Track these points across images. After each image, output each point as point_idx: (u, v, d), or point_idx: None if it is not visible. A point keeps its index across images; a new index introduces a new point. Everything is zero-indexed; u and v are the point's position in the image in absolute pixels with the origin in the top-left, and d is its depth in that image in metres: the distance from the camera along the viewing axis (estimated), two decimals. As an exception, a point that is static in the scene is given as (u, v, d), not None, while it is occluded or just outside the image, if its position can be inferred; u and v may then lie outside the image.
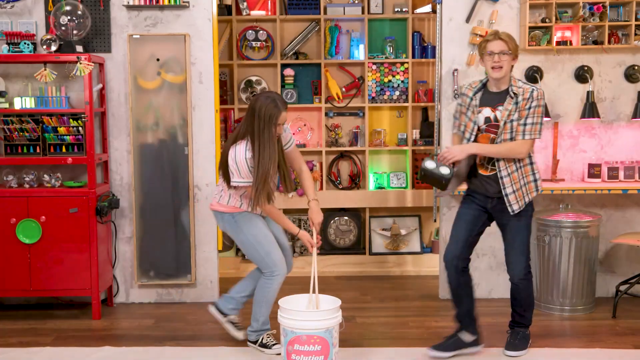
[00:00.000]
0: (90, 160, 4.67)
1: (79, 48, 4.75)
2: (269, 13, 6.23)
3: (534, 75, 4.96)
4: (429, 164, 3.78)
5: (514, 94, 3.70)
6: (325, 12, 6.16)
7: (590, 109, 4.88)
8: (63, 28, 4.68)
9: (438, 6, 5.00)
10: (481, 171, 3.82)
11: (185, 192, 4.98)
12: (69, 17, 4.67)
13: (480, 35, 4.84)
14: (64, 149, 4.74)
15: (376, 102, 6.26)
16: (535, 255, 4.85)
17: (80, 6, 4.74)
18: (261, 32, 6.21)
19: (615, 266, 5.13)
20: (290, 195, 6.08)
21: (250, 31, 6.21)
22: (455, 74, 4.97)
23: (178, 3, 4.85)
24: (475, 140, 3.80)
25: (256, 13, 6.18)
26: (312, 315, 3.61)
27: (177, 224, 5.01)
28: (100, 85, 4.90)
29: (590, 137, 5.05)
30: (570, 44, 4.92)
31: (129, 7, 4.88)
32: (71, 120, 4.71)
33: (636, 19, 4.87)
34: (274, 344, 4.05)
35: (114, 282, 5.09)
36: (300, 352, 3.55)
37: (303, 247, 6.17)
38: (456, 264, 3.85)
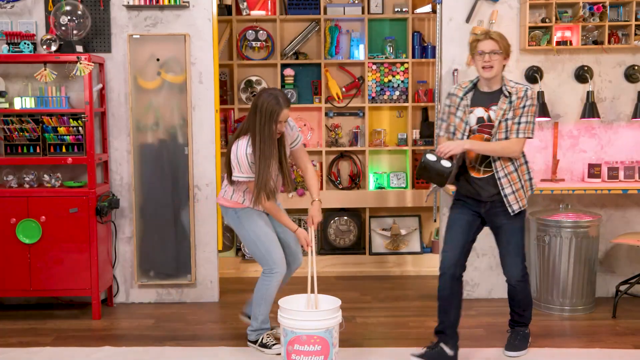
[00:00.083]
0: (90, 160, 4.67)
1: (79, 48, 4.75)
2: (269, 13, 6.23)
3: (534, 75, 4.96)
4: (430, 157, 3.66)
5: (508, 92, 3.66)
6: (325, 12, 6.16)
7: (590, 109, 4.88)
8: (63, 28, 4.68)
9: (438, 6, 5.00)
10: (473, 174, 3.73)
11: (185, 192, 4.98)
12: (69, 17, 4.67)
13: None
14: (64, 149, 4.75)
15: (376, 102, 6.26)
16: (535, 255, 4.85)
17: (80, 6, 4.74)
18: (261, 32, 6.21)
19: (615, 266, 5.13)
20: (290, 195, 6.08)
21: (250, 31, 6.21)
22: (455, 74, 4.97)
23: (178, 3, 4.85)
24: None
25: (256, 13, 6.18)
26: (312, 315, 3.61)
27: (177, 224, 5.01)
28: (100, 85, 4.90)
29: (590, 137, 5.05)
30: (570, 44, 4.92)
31: (129, 7, 4.88)
32: (71, 120, 4.71)
33: (636, 19, 4.87)
34: (274, 344, 4.05)
35: (114, 282, 5.09)
36: (300, 352, 3.55)
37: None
38: (453, 272, 3.78)
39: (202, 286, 5.11)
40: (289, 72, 6.19)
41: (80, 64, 4.55)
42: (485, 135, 3.68)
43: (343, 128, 6.34)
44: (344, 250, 6.29)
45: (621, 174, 4.95)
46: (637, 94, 4.94)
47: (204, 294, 5.11)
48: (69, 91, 4.86)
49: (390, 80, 6.23)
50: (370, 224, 6.31)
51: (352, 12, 6.16)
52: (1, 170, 4.87)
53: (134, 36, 4.88)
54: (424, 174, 3.70)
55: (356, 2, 6.23)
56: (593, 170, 4.95)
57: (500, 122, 3.64)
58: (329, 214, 6.21)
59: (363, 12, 6.18)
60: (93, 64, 4.65)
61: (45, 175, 4.78)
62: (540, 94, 4.87)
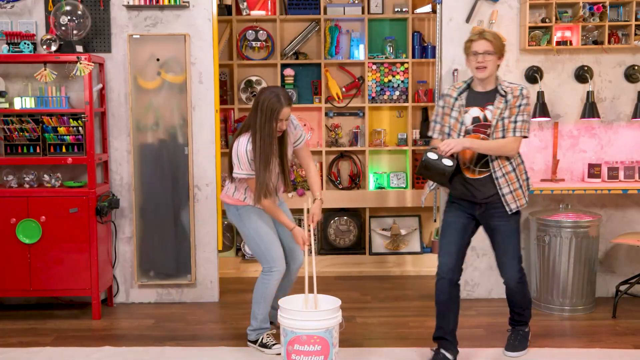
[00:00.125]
0: (90, 160, 4.67)
1: (79, 48, 4.75)
2: (269, 13, 6.23)
3: (534, 75, 4.96)
4: (431, 156, 3.58)
5: (504, 92, 3.65)
6: (325, 12, 6.16)
7: (590, 109, 4.87)
8: (63, 28, 4.68)
9: (438, 6, 5.00)
10: (469, 175, 3.69)
11: (185, 192, 4.98)
12: (69, 17, 4.67)
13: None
14: (64, 149, 4.75)
15: (376, 102, 6.26)
16: (535, 255, 4.85)
17: (80, 6, 4.74)
18: (261, 32, 6.21)
19: (615, 266, 5.13)
20: (290, 195, 6.07)
21: (250, 31, 6.21)
22: (455, 74, 4.97)
23: (178, 3, 4.85)
24: None
25: (256, 13, 6.18)
26: (312, 315, 3.61)
27: (177, 224, 5.01)
28: (100, 85, 4.90)
29: (590, 137, 5.05)
30: (570, 44, 4.92)
31: (129, 7, 4.88)
32: (71, 120, 4.71)
33: (636, 19, 4.87)
34: (274, 344, 4.05)
35: (114, 282, 5.09)
36: (300, 352, 3.55)
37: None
38: (451, 277, 3.74)
39: (202, 286, 5.11)
40: (289, 72, 6.19)
41: (80, 64, 4.55)
42: (481, 135, 3.65)
43: (343, 128, 6.34)
44: (344, 250, 6.29)
45: (621, 174, 4.95)
46: (637, 94, 4.94)
47: (204, 294, 5.11)
48: (69, 91, 4.86)
49: (390, 80, 6.23)
50: (370, 224, 6.31)
51: (352, 12, 6.16)
52: (1, 170, 4.87)
53: (134, 36, 4.88)
54: (426, 173, 3.65)
55: (356, 2, 6.23)
56: (593, 170, 4.95)
57: (497, 121, 3.63)
58: (329, 214, 6.21)
59: (363, 12, 6.18)
60: (93, 64, 4.65)
61: (45, 175, 4.78)
62: (540, 94, 4.87)
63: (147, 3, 4.85)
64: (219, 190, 5.06)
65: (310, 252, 3.91)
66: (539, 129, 5.03)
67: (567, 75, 5.01)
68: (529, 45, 4.86)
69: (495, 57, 3.62)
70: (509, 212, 3.71)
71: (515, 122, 3.62)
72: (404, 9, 6.19)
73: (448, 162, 3.57)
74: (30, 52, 4.72)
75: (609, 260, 5.13)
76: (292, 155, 4.07)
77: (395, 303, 5.09)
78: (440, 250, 3.80)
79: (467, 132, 3.68)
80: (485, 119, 3.64)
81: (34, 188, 4.74)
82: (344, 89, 6.29)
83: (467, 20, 4.92)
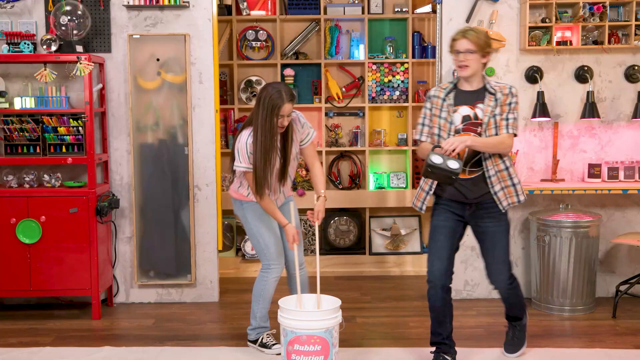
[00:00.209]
0: (90, 160, 4.67)
1: (79, 48, 4.75)
2: (269, 13, 6.24)
3: (534, 75, 4.96)
4: (436, 159, 3.47)
5: (493, 90, 3.63)
6: (325, 12, 6.16)
7: (590, 109, 4.87)
8: (63, 28, 4.68)
9: (438, 6, 5.00)
10: (460, 175, 3.58)
11: (185, 192, 4.98)
12: (69, 17, 4.67)
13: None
14: (64, 149, 4.75)
15: (376, 102, 6.26)
16: (535, 255, 4.85)
17: (80, 6, 4.74)
18: (261, 32, 6.22)
19: (615, 266, 5.13)
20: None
21: (250, 31, 6.21)
22: (455, 74, 4.97)
23: (178, 3, 4.85)
24: None
25: (256, 13, 6.19)
26: (312, 315, 3.61)
27: (177, 224, 5.01)
28: (100, 85, 4.90)
29: (591, 137, 5.05)
30: (570, 44, 4.92)
31: (129, 7, 4.88)
32: (71, 120, 4.71)
33: (636, 19, 4.86)
34: (273, 344, 4.05)
35: (114, 282, 5.09)
36: (300, 352, 3.55)
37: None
38: (444, 282, 3.67)
39: (202, 286, 5.11)
40: (289, 72, 6.19)
41: (80, 64, 4.55)
42: (472, 134, 3.61)
43: (343, 128, 6.34)
44: (344, 250, 6.29)
45: (621, 174, 4.95)
46: (637, 94, 4.94)
47: (203, 294, 5.11)
48: (69, 91, 4.86)
49: (390, 80, 6.23)
50: (370, 224, 6.31)
51: (352, 12, 6.16)
52: (1, 170, 4.87)
53: (134, 36, 4.88)
54: (431, 176, 3.56)
55: (356, 2, 6.23)
56: (593, 170, 4.95)
57: (489, 118, 3.61)
58: (329, 214, 6.21)
59: (363, 12, 6.18)
60: (93, 64, 4.65)
61: (45, 175, 4.78)
62: (540, 94, 4.87)
63: (147, 3, 4.85)
64: (219, 190, 5.07)
65: (313, 251, 3.91)
66: (539, 129, 5.03)
67: (567, 75, 5.01)
68: (529, 45, 4.86)
69: (477, 56, 3.58)
70: (502, 210, 3.66)
71: (507, 119, 3.61)
72: (404, 9, 6.20)
73: (454, 165, 3.48)
74: (30, 52, 4.72)
75: (609, 260, 5.13)
76: (298, 153, 4.04)
77: (395, 303, 5.09)
78: (431, 255, 3.70)
79: (456, 132, 3.63)
80: (476, 117, 3.61)
81: (34, 188, 4.74)
82: (344, 89, 6.29)
83: (467, 20, 4.92)
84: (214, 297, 5.13)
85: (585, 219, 4.70)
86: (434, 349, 3.82)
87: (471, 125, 3.61)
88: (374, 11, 6.19)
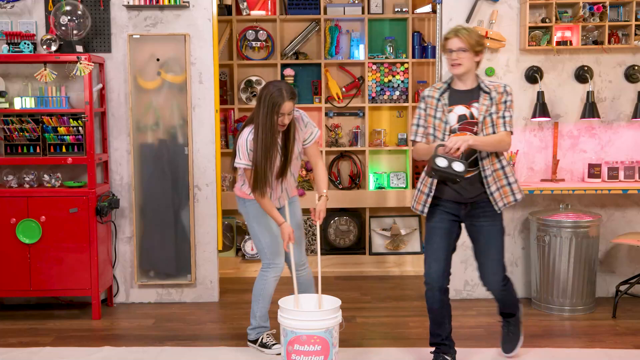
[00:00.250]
0: (90, 160, 4.67)
1: (79, 48, 4.75)
2: (269, 13, 6.23)
3: (534, 75, 4.96)
4: (441, 162, 3.43)
5: (488, 89, 3.62)
6: (325, 12, 6.16)
7: (590, 109, 4.87)
8: (63, 28, 4.68)
9: (438, 6, 5.00)
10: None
11: (185, 192, 4.98)
12: (69, 17, 4.67)
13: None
14: (64, 149, 4.75)
15: (376, 102, 6.26)
16: (535, 255, 4.85)
17: (80, 6, 4.74)
18: (261, 32, 6.22)
19: (615, 266, 5.13)
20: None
21: (250, 31, 6.21)
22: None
23: (178, 3, 4.85)
24: None
25: (256, 13, 6.19)
26: (312, 315, 3.61)
27: (177, 224, 5.01)
28: (100, 85, 4.90)
29: (591, 137, 5.05)
30: (570, 44, 4.92)
31: (129, 7, 4.88)
32: (71, 120, 4.71)
33: (636, 19, 4.86)
34: (273, 344, 4.05)
35: (114, 282, 5.09)
36: (300, 352, 3.55)
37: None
38: (441, 284, 3.66)
39: (202, 286, 5.11)
40: (289, 72, 6.19)
41: (80, 64, 4.55)
42: (468, 133, 3.59)
43: (343, 128, 6.34)
44: (344, 250, 6.29)
45: (621, 174, 4.95)
46: (637, 94, 4.94)
47: (203, 294, 5.11)
48: (69, 91, 4.86)
49: (390, 80, 6.23)
50: (370, 224, 6.31)
51: (352, 12, 6.16)
52: (1, 170, 4.87)
53: (134, 36, 4.88)
54: (436, 177, 3.53)
55: (356, 2, 6.23)
56: (593, 170, 4.95)
57: (485, 117, 3.60)
58: (329, 214, 6.20)
59: (363, 12, 6.18)
60: (93, 64, 4.65)
61: (45, 175, 4.78)
62: (540, 94, 4.87)
63: (147, 3, 4.85)
64: (219, 190, 5.07)
65: (314, 251, 3.91)
66: (539, 129, 5.03)
67: (567, 75, 5.01)
68: (529, 45, 4.86)
69: (470, 54, 3.57)
70: (498, 211, 3.64)
71: (504, 117, 3.60)
72: (404, 9, 6.20)
73: (459, 168, 3.44)
74: (30, 52, 4.72)
75: (609, 260, 5.13)
76: (301, 152, 4.03)
77: (395, 303, 5.09)
78: (428, 256, 3.68)
79: (452, 131, 3.61)
80: (472, 116, 3.60)
81: (34, 188, 4.75)
82: (344, 89, 6.29)
83: (467, 20, 4.92)
84: (214, 297, 5.13)
85: (585, 219, 4.70)
86: (433, 349, 3.82)
87: (467, 124, 3.60)
88: (374, 11, 6.19)
